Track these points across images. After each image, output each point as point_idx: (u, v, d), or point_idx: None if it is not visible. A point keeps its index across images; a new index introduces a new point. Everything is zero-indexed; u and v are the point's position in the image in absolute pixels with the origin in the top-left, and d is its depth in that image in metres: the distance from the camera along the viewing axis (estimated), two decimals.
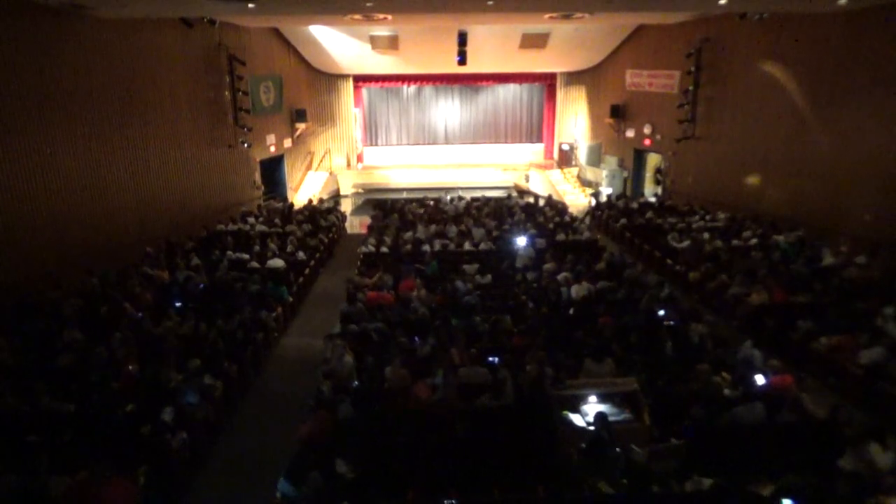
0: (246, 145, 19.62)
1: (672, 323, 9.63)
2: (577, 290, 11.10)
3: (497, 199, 20.02)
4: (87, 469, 5.96)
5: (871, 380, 8.02)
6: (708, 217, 16.64)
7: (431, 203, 19.58)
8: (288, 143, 23.71)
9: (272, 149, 22.32)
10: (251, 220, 17.35)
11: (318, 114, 26.10)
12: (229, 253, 13.73)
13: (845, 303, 9.97)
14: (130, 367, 8.14)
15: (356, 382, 8.04)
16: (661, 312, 9.95)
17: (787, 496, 5.37)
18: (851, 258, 11.96)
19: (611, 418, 6.71)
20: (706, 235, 14.53)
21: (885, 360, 8.09)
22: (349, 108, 27.15)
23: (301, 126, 24.30)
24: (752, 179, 16.75)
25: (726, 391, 7.61)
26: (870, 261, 11.71)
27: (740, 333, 9.67)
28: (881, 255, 11.77)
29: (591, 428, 6.62)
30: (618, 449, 6.30)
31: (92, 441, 6.59)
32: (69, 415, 7.19)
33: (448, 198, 20.22)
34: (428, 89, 29.22)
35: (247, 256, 13.63)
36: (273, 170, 23.00)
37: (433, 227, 16.16)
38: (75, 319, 9.77)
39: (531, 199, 20.90)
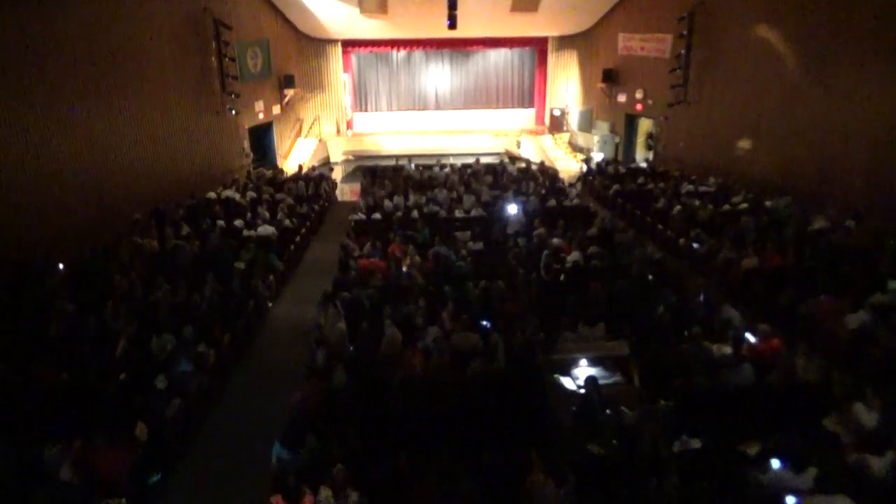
0: (234, 112, 19.35)
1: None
2: (569, 256, 11.14)
3: (488, 166, 19.89)
4: (81, 437, 6.01)
5: (857, 343, 8.13)
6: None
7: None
8: (276, 109, 23.41)
9: (261, 116, 22.03)
10: (241, 187, 17.22)
11: (306, 80, 25.71)
12: (219, 221, 13.65)
13: (833, 267, 10.05)
14: (121, 337, 8.16)
15: (351, 349, 8.10)
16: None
17: (773, 456, 5.48)
18: (840, 223, 12.03)
19: (601, 381, 6.81)
20: (696, 202, 14.56)
21: (872, 323, 8.20)
22: (338, 73, 26.76)
23: (290, 92, 23.95)
24: (743, 144, 16.72)
25: (714, 349, 7.71)
26: (858, 225, 11.78)
27: (729, 297, 9.76)
28: (869, 220, 11.83)
29: (582, 391, 6.71)
30: (608, 411, 6.40)
31: (86, 410, 6.61)
32: (62, 384, 7.20)
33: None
34: (418, 54, 28.80)
35: (238, 224, 13.55)
36: (262, 137, 22.74)
37: (423, 196, 16.10)
38: (65, 289, 9.73)
39: (523, 165, 20.80)
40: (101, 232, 12.26)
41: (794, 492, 4.94)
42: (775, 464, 5.40)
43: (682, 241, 12.74)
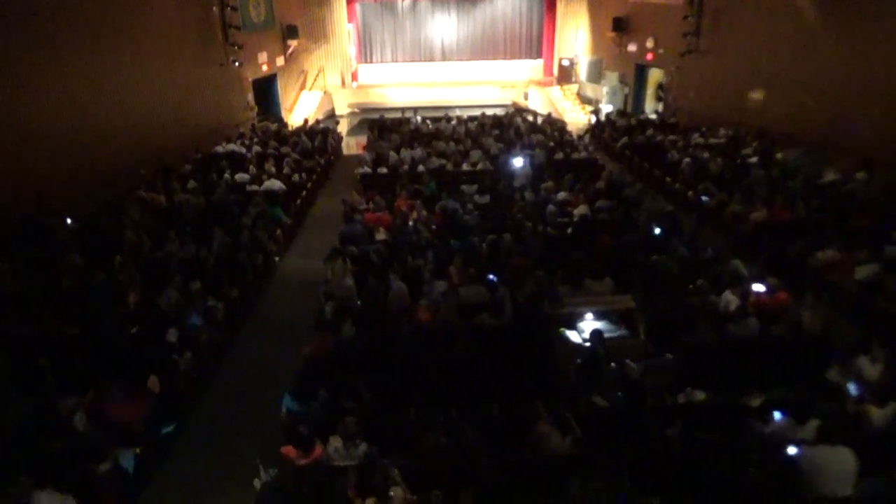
0: (237, 64, 19.06)
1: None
2: (576, 210, 11.11)
3: (495, 118, 19.65)
4: (95, 390, 6.13)
5: (865, 295, 8.13)
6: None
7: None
8: (280, 61, 23.04)
9: (264, 67, 21.71)
10: (246, 141, 17.10)
11: (310, 30, 25.23)
12: (227, 176, 13.62)
13: (843, 220, 9.98)
14: (132, 291, 8.24)
15: (358, 302, 8.16)
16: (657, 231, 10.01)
17: (775, 408, 5.55)
18: (851, 175, 11.89)
19: (607, 335, 6.86)
20: (706, 154, 14.38)
21: (880, 276, 8.17)
22: (342, 24, 26.24)
23: (293, 43, 23.54)
24: (756, 95, 16.39)
25: (722, 297, 7.73)
26: (869, 178, 11.63)
27: (736, 250, 9.75)
28: (881, 172, 11.67)
29: (588, 345, 6.77)
30: (613, 364, 6.47)
31: (99, 363, 6.73)
32: (75, 338, 7.31)
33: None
34: (424, 3, 28.19)
35: (245, 178, 13.52)
36: (266, 90, 22.47)
37: (430, 150, 15.96)
38: (75, 244, 9.79)
39: (530, 118, 20.55)
40: (106, 186, 12.23)
41: (796, 443, 5.01)
42: (777, 415, 5.47)
43: (690, 194, 12.63)
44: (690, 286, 8.12)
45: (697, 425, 5.44)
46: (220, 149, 16.18)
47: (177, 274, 8.54)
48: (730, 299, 7.72)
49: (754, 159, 13.82)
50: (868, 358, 6.27)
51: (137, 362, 6.69)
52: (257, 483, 5.30)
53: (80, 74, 12.34)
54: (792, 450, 4.91)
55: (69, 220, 10.74)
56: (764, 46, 15.97)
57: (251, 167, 14.26)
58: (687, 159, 14.02)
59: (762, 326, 7.20)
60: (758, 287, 7.89)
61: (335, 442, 5.42)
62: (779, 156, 13.69)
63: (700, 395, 6.11)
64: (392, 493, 4.69)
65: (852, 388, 6.09)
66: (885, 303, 7.88)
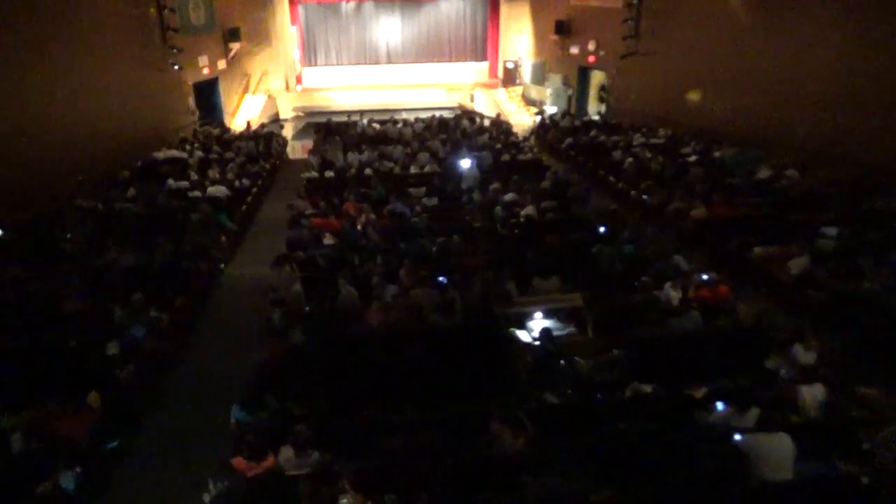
0: (176, 67, 18.57)
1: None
2: (523, 210, 11.23)
3: (442, 120, 19.71)
4: (37, 404, 5.89)
5: (799, 287, 8.47)
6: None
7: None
8: (222, 64, 22.55)
9: (205, 71, 21.21)
10: (188, 146, 16.68)
11: (252, 33, 24.74)
12: (169, 181, 13.25)
13: (780, 215, 10.39)
14: (73, 302, 7.94)
15: (307, 308, 8.06)
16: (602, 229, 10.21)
17: (718, 398, 5.73)
18: (782, 172, 12.39)
19: (555, 333, 6.96)
20: (648, 154, 14.75)
21: (812, 269, 8.54)
22: (285, 26, 25.89)
23: (235, 46, 23.06)
24: (694, 95, 16.91)
25: (665, 289, 7.93)
26: (802, 174, 12.14)
27: (681, 247, 10.02)
28: (815, 168, 12.19)
29: (538, 343, 6.85)
30: (562, 362, 6.56)
31: (38, 378, 6.46)
32: (16, 350, 7.00)
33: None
34: (368, 5, 28.05)
35: (186, 184, 13.18)
36: (208, 93, 21.95)
37: (377, 153, 15.89)
38: (10, 254, 9.39)
39: (477, 120, 20.69)
40: (41, 195, 11.73)
41: (739, 431, 5.18)
42: (720, 405, 5.65)
43: (633, 192, 12.94)
44: (635, 283, 8.31)
45: (645, 417, 5.57)
46: (160, 155, 15.71)
47: (118, 284, 8.25)
48: (671, 294, 7.93)
49: (693, 158, 14.25)
50: (802, 346, 6.56)
51: (78, 377, 6.44)
52: (206, 497, 5.17)
53: (10, 78, 11.80)
54: (735, 437, 5.08)
55: (0, 231, 10.28)
56: (700, 48, 16.50)
57: (192, 173, 13.91)
58: (629, 159, 14.36)
59: (705, 319, 7.43)
60: (704, 277, 8.15)
61: (286, 452, 5.33)
62: (717, 154, 14.15)
63: (646, 388, 6.26)
64: (343, 502, 4.65)
65: (788, 376, 6.35)
66: (816, 293, 8.23)
